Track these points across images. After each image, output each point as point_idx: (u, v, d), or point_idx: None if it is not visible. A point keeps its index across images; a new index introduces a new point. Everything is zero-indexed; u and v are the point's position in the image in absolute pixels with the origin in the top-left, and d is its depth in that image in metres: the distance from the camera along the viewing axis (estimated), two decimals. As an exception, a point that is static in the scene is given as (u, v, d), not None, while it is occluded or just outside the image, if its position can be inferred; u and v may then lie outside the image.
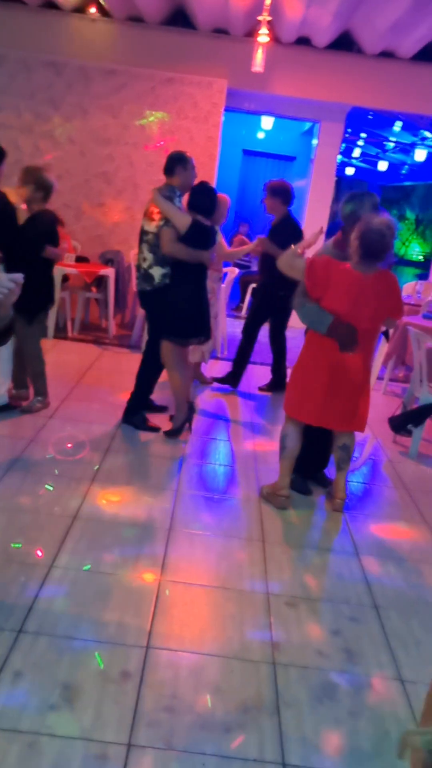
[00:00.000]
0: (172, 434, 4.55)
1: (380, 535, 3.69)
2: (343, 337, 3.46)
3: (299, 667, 2.51)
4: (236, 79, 7.86)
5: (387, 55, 7.94)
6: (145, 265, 4.44)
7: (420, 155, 11.78)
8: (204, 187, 4.40)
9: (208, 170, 7.69)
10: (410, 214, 23.11)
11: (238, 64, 7.76)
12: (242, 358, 5.90)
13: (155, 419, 4.76)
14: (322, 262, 3.52)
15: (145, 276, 4.47)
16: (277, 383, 6.01)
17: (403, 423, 4.90)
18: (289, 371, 4.16)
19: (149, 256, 4.40)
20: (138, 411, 4.69)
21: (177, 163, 4.43)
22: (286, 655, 2.57)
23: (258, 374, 6.56)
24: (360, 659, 2.61)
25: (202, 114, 7.80)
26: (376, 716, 2.33)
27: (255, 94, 8.41)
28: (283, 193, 5.56)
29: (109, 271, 7.28)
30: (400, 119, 10.31)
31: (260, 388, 6.05)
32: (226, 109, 8.22)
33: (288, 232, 5.35)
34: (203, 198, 4.34)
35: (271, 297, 5.63)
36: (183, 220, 4.24)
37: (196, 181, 4.48)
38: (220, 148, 8.03)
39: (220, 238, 5.32)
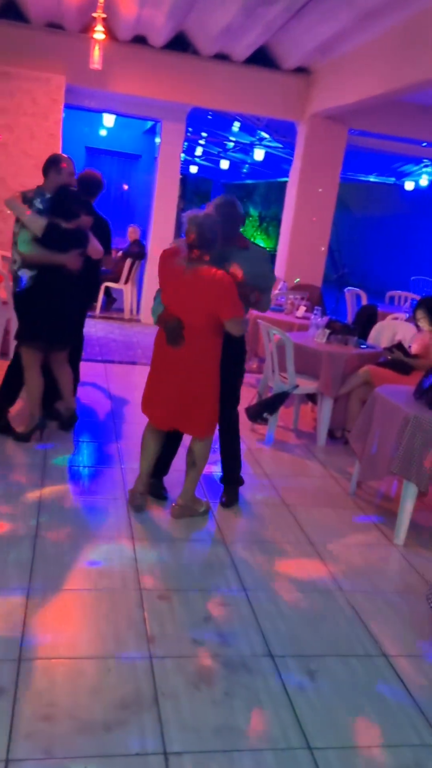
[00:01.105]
0: (21, 438, 4.45)
1: (245, 521, 3.84)
2: (167, 330, 3.50)
3: (175, 657, 2.56)
4: (75, 75, 7.75)
5: (222, 57, 8.18)
6: (15, 267, 4.36)
7: (259, 155, 12.24)
8: (62, 191, 4.32)
9: (51, 168, 7.51)
10: (253, 212, 23.96)
11: (75, 61, 7.65)
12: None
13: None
14: (168, 252, 3.57)
15: (14, 277, 4.39)
16: None
17: (258, 412, 5.10)
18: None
19: (18, 258, 4.32)
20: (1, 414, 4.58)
21: (51, 165, 4.41)
22: (162, 648, 2.61)
23: (120, 372, 6.54)
24: (232, 641, 2.71)
25: (42, 110, 7.62)
26: (250, 693, 2.43)
27: (95, 92, 8.34)
28: (78, 184, 5.42)
29: None
30: (238, 120, 10.66)
31: None
32: (67, 106, 8.08)
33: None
34: (59, 202, 4.27)
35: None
36: (35, 224, 4.17)
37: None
38: (62, 146, 7.88)
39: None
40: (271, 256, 6.94)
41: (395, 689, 2.55)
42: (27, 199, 4.29)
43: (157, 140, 9.31)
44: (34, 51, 7.71)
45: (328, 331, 5.41)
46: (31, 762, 2.01)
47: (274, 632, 2.80)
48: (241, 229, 3.78)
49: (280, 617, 2.92)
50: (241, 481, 4.06)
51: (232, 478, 4.04)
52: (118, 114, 9.75)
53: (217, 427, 3.80)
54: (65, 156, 4.47)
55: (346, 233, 19.30)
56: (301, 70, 8.30)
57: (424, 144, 9.82)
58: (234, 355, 3.80)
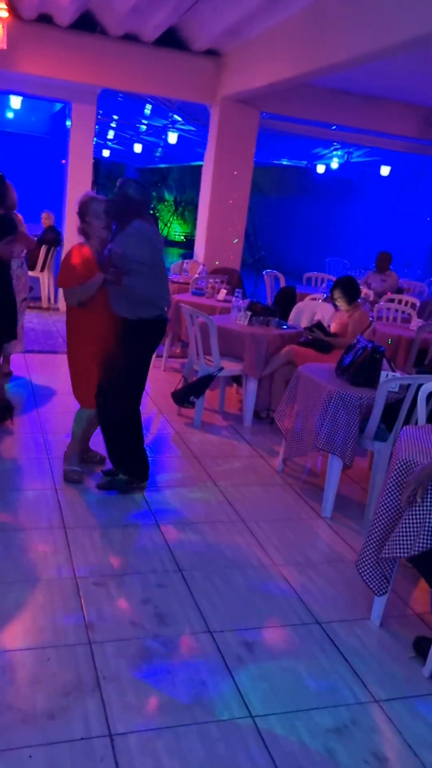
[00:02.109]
0: None
1: (176, 502, 3.86)
2: None
3: (115, 641, 2.57)
4: (-22, 55, 7.43)
5: (131, 38, 8.05)
6: None
7: (172, 138, 12.16)
8: None
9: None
10: (169, 196, 23.82)
11: (-22, 40, 7.33)
12: None
13: None
14: None
15: None
16: None
17: (185, 396, 5.13)
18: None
19: None
20: None
21: None
22: (101, 633, 2.61)
23: (41, 362, 6.40)
24: (171, 621, 2.74)
25: None
26: (191, 669, 2.47)
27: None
28: None
29: None
30: (150, 102, 10.54)
31: None
32: (-30, 87, 7.76)
33: None
34: None
35: None
36: None
37: None
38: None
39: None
40: (189, 242, 6.93)
41: (330, 654, 2.66)
42: None
43: (68, 123, 9.09)
44: None
45: (249, 313, 5.48)
46: (-27, 757, 1.98)
47: (211, 609, 2.85)
48: (132, 210, 3.57)
49: (216, 594, 2.97)
50: (121, 472, 3.88)
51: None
52: (25, 95, 9.45)
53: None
54: None
55: (262, 217, 19.52)
56: (211, 53, 8.27)
57: (334, 127, 10.03)
58: (122, 342, 3.67)
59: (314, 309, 6.11)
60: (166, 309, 3.77)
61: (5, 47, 6.75)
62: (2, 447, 4.37)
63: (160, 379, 6.36)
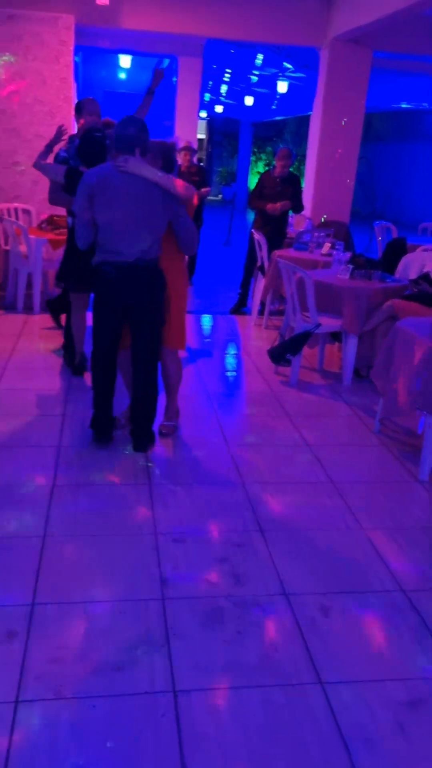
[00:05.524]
0: (76, 372, 4.86)
1: (264, 462, 3.78)
2: None
3: (188, 598, 2.56)
4: (83, 14, 7.46)
5: (236, -18, 7.76)
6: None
7: (282, 87, 11.73)
8: (84, 136, 4.31)
9: (65, 114, 7.36)
10: (285, 150, 23.12)
11: (82, -2, 7.36)
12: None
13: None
14: None
15: (69, 229, 4.68)
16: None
17: (281, 353, 5.01)
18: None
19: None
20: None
21: (75, 112, 4.82)
22: (175, 589, 2.61)
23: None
24: (247, 581, 2.69)
25: (52, 54, 7.38)
26: (263, 631, 2.42)
27: (106, 30, 8.04)
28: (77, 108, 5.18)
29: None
30: (260, 52, 10.19)
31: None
32: (80, 48, 7.84)
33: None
34: (80, 147, 4.30)
35: None
36: (52, 173, 4.46)
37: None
38: (81, 92, 7.68)
39: None
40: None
41: (411, 623, 2.51)
42: (58, 154, 4.69)
43: (174, 79, 8.98)
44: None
45: (351, 267, 5.22)
46: (40, 702, 2.04)
47: (289, 571, 2.77)
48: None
49: (298, 556, 2.88)
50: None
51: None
52: (132, 52, 9.44)
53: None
54: (89, 99, 4.72)
55: (382, 166, 18.56)
56: (320, -9, 7.83)
57: (457, 63, 9.24)
58: None
59: (424, 261, 5.72)
60: (110, 261, 3.45)
61: (107, 3, 6.72)
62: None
63: (262, 337, 6.26)
